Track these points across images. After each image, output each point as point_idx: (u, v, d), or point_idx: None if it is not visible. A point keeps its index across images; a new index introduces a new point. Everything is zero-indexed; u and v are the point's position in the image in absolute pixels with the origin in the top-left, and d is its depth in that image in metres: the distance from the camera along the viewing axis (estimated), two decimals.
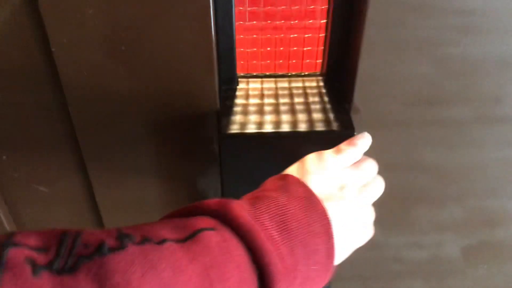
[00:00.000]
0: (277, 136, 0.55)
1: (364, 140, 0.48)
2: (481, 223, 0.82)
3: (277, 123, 0.56)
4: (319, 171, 0.43)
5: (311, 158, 0.45)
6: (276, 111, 0.58)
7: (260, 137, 0.55)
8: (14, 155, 0.64)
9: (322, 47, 0.61)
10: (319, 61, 0.62)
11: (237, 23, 0.58)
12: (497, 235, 0.85)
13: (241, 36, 0.60)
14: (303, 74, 0.64)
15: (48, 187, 0.69)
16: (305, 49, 0.61)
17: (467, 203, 0.78)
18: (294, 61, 0.63)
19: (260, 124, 0.56)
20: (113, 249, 0.27)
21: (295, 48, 0.62)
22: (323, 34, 0.60)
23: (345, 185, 0.43)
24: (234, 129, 0.55)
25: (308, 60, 0.62)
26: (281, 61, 0.63)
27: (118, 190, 0.69)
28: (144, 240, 0.29)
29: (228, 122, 0.57)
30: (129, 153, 0.63)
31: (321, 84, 0.63)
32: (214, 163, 0.64)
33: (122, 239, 0.28)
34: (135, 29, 0.52)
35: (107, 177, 0.66)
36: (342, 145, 0.47)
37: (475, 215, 0.80)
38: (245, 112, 0.58)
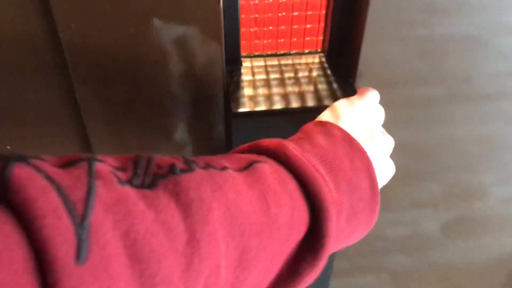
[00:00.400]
0: (286, 112, 0.56)
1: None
2: (459, 198, 0.85)
3: (285, 96, 0.57)
4: (351, 117, 0.45)
5: (342, 105, 0.47)
6: (283, 84, 0.60)
7: (270, 114, 0.56)
8: (19, 148, 0.62)
9: (324, 24, 0.62)
10: (320, 38, 0.64)
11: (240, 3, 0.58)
12: (474, 209, 0.89)
13: (243, 16, 0.61)
14: (305, 52, 0.66)
15: None
16: (307, 26, 0.62)
17: (443, 179, 0.81)
18: (295, 39, 0.64)
19: (268, 98, 0.57)
20: (184, 171, 0.29)
21: (295, 26, 0.63)
22: (325, 11, 0.61)
23: (373, 127, 0.46)
24: (244, 107, 0.56)
25: (308, 38, 0.64)
26: (282, 39, 0.63)
27: None
28: (208, 166, 0.31)
29: (237, 101, 0.57)
30: (139, 137, 0.62)
31: (323, 60, 0.65)
32: (221, 142, 0.64)
33: (189, 164, 0.30)
34: (144, 11, 0.51)
35: None
36: (364, 91, 0.50)
37: (452, 191, 0.84)
38: (252, 88, 0.59)
